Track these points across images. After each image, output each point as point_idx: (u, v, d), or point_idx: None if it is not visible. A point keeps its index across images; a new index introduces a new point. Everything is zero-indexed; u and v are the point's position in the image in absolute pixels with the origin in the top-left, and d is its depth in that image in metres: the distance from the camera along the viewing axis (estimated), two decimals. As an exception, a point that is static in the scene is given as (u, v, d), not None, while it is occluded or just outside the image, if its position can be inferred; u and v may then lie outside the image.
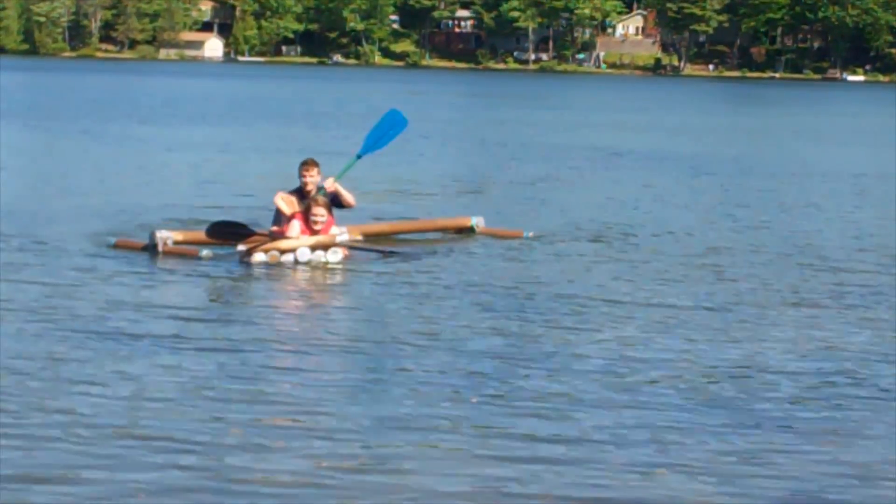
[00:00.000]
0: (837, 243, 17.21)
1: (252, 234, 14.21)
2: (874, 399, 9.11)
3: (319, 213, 14.28)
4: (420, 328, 10.72)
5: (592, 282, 13.45)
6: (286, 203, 14.51)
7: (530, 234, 16.81)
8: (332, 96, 68.53)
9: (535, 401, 8.57)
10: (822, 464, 7.62)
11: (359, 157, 15.97)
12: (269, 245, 13.93)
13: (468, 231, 16.91)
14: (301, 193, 14.77)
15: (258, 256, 13.80)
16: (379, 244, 15.16)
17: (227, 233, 14.24)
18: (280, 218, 14.55)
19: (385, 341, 10.21)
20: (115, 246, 14.72)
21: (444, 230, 16.93)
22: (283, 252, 13.89)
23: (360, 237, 15.14)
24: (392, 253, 14.59)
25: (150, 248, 14.31)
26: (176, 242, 14.37)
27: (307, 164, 14.96)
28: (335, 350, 9.91)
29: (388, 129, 16.31)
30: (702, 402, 8.73)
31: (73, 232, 15.92)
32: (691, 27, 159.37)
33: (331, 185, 14.93)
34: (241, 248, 13.88)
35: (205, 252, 14.00)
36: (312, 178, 14.79)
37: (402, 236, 16.23)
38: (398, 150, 32.13)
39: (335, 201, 14.78)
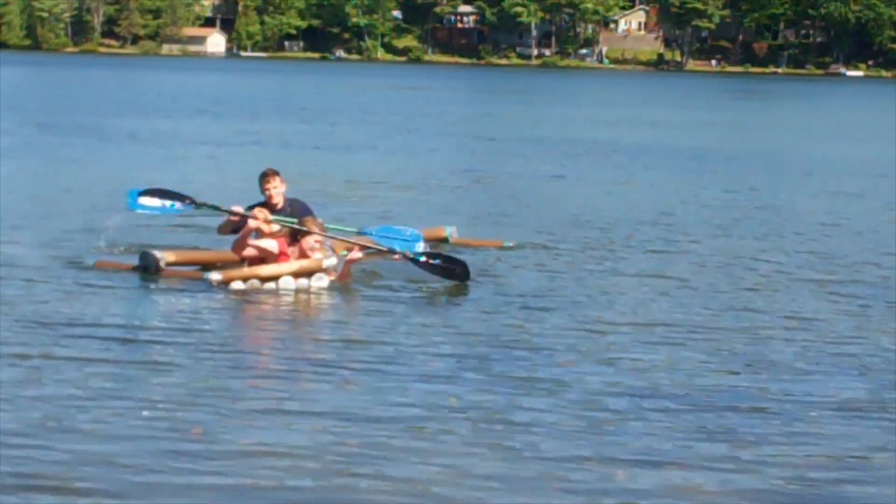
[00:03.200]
0: (849, 246, 16.69)
1: (185, 198, 13.67)
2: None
3: (319, 238, 13.03)
4: (398, 352, 10.13)
5: (577, 297, 12.56)
6: (263, 219, 13.17)
7: (510, 243, 15.61)
8: (333, 91, 68.39)
9: (523, 421, 8.30)
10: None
11: (360, 232, 14.80)
12: (247, 272, 12.64)
13: (443, 242, 15.72)
14: (268, 208, 13.46)
15: (236, 285, 12.48)
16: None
17: (160, 197, 13.65)
18: (252, 234, 13.26)
19: (368, 364, 9.74)
20: (96, 267, 13.37)
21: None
22: (263, 280, 12.59)
23: (345, 252, 13.65)
24: (377, 251, 13.48)
25: (143, 270, 13.04)
26: (168, 264, 13.13)
27: (267, 175, 13.61)
28: (318, 374, 9.45)
29: (399, 238, 14.85)
30: (693, 429, 8.29)
31: (46, 249, 14.58)
32: (694, 22, 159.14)
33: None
34: (217, 276, 12.57)
35: (213, 275, 12.59)
36: (276, 189, 13.51)
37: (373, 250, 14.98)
38: (389, 146, 32.14)
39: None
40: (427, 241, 15.56)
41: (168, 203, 14.07)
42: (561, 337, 10.80)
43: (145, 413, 8.26)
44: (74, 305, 11.62)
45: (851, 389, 9.35)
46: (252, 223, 13.16)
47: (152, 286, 12.70)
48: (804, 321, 11.76)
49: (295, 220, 13.20)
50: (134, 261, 13.41)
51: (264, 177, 13.63)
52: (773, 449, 7.94)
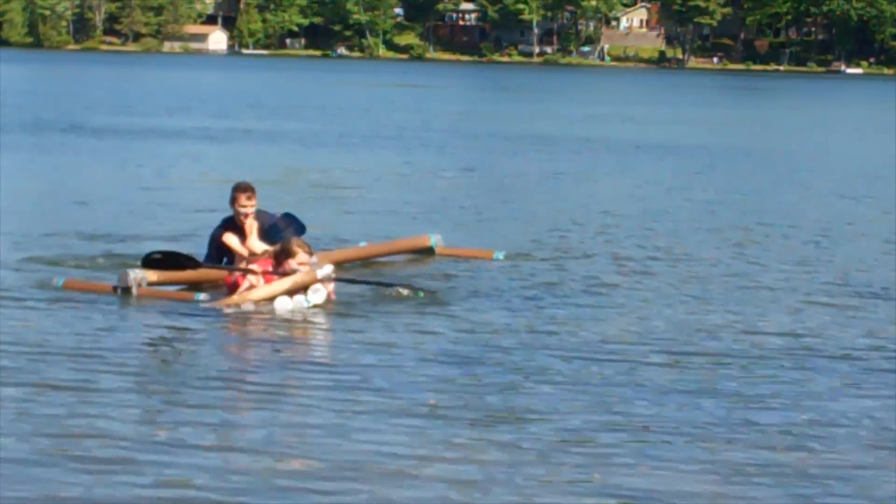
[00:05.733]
0: (854, 251, 16.25)
1: (199, 265, 12.18)
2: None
3: (305, 260, 11.84)
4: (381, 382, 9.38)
5: (567, 317, 11.59)
6: (239, 242, 12.30)
7: (501, 255, 14.35)
8: (332, 89, 68.20)
9: (504, 458, 7.80)
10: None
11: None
12: (236, 298, 11.63)
13: (427, 252, 14.65)
14: (235, 225, 12.46)
15: (228, 311, 11.54)
16: (361, 275, 13.05)
17: (167, 265, 12.09)
18: (229, 258, 12.38)
19: (341, 390, 9.14)
20: (65, 288, 12.18)
21: (400, 253, 14.57)
22: (257, 304, 11.58)
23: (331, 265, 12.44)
24: (382, 284, 12.50)
25: (121, 291, 11.96)
26: (150, 284, 12.07)
27: (248, 189, 12.44)
28: (308, 398, 8.94)
29: None
30: (691, 462, 7.75)
31: (9, 263, 13.51)
32: (695, 20, 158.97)
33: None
34: (206, 306, 11.62)
35: (202, 296, 11.77)
36: (251, 208, 12.43)
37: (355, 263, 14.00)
38: (377, 144, 31.71)
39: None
40: (410, 251, 14.59)
41: None
42: (548, 361, 10.01)
43: (90, 443, 7.84)
44: (32, 330, 10.68)
45: (862, 416, 8.81)
46: (230, 241, 12.31)
47: (126, 309, 11.70)
48: (811, 339, 11.03)
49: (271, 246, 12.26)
50: (110, 279, 12.35)
51: (245, 192, 12.45)
52: (777, 483, 7.49)
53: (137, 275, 12.01)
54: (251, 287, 11.79)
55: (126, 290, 11.97)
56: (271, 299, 11.62)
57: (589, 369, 9.80)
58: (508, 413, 8.61)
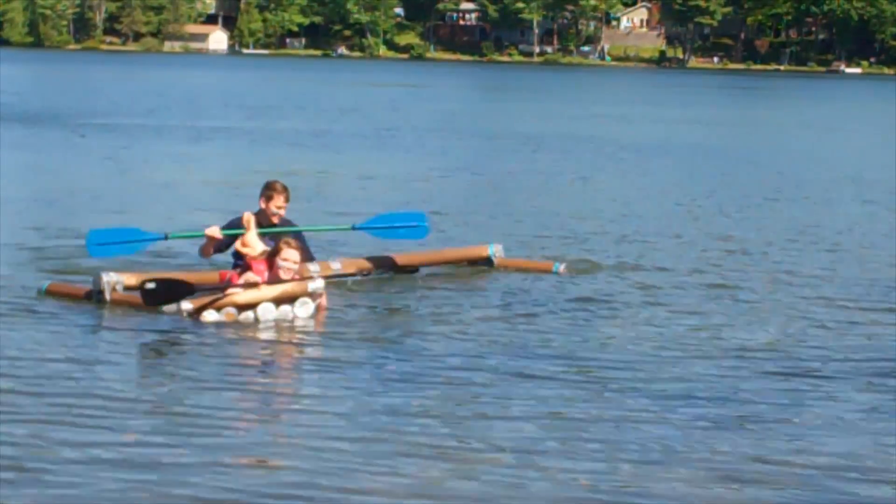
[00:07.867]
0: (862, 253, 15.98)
1: (194, 290, 11.20)
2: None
3: (292, 257, 11.24)
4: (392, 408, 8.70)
5: (649, 342, 10.72)
6: (253, 245, 11.66)
7: (561, 267, 13.50)
8: (342, 90, 68.18)
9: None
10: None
11: (353, 227, 13.08)
12: (221, 300, 10.97)
13: (486, 262, 13.72)
14: (261, 223, 12.00)
15: (209, 315, 10.87)
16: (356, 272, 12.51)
17: (164, 295, 11.05)
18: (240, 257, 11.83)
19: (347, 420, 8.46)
20: (48, 292, 11.51)
21: (458, 262, 13.74)
22: (240, 309, 10.94)
23: (341, 272, 12.07)
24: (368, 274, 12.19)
25: (95, 295, 11.30)
26: (127, 288, 11.31)
27: (280, 190, 12.10)
28: (289, 427, 8.35)
29: (401, 225, 13.02)
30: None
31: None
32: (696, 20, 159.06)
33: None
34: (187, 305, 10.91)
35: (184, 304, 10.99)
36: (281, 209, 12.08)
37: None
38: (396, 148, 31.64)
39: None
40: (467, 261, 13.82)
41: (133, 244, 12.28)
42: (535, 381, 9.42)
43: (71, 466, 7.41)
44: (11, 338, 10.14)
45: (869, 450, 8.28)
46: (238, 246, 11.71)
47: (100, 317, 11.02)
48: (802, 352, 10.54)
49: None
50: (88, 284, 11.63)
51: (276, 191, 12.10)
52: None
53: (112, 278, 11.30)
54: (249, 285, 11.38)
55: (99, 294, 11.28)
56: (255, 305, 11.00)
57: (580, 383, 9.51)
58: (482, 436, 8.23)
